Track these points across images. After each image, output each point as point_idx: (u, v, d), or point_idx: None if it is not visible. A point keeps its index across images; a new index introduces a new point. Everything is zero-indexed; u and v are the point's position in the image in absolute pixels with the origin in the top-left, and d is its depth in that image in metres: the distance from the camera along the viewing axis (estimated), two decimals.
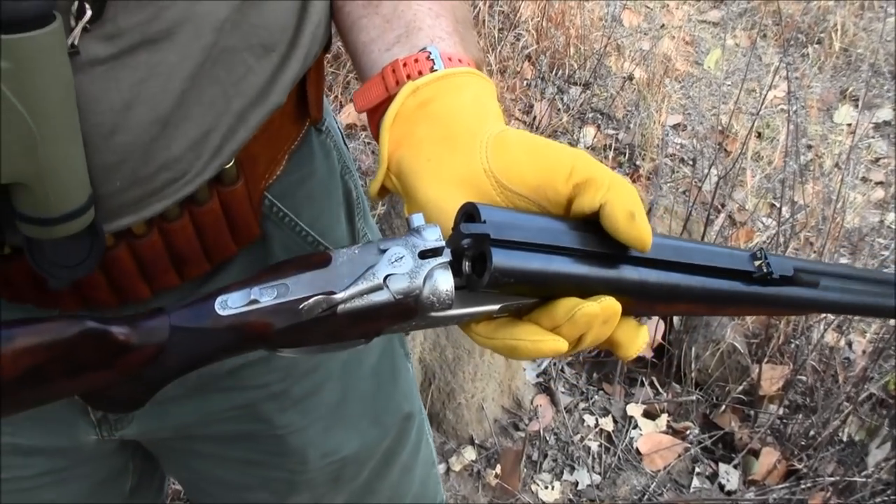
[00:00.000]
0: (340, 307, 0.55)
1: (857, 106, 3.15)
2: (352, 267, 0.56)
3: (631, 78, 3.09)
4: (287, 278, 0.56)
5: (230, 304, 0.55)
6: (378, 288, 0.55)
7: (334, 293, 0.55)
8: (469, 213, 0.56)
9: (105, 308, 0.69)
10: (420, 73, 0.63)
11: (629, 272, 0.58)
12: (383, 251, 0.56)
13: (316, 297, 0.55)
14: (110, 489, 0.90)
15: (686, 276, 0.61)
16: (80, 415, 0.79)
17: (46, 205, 0.57)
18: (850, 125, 3.02)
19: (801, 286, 0.65)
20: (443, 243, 0.56)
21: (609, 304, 0.56)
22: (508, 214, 0.56)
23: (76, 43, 0.56)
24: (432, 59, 0.63)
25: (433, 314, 0.56)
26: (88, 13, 0.55)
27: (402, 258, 0.56)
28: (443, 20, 0.67)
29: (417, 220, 0.57)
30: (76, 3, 0.55)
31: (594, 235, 0.57)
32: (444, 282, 0.55)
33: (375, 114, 0.66)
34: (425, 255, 0.56)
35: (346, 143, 0.88)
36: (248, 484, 0.90)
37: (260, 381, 0.82)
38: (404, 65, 0.64)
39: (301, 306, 0.55)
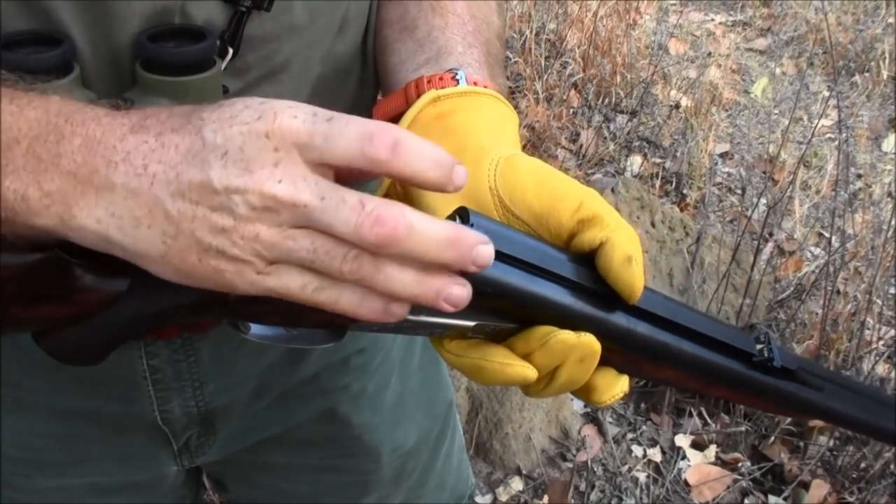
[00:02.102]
0: None
1: None
2: None
3: (678, 106, 3.10)
4: None
5: None
6: None
7: None
8: (460, 216, 0.52)
9: None
10: (442, 87, 0.62)
11: (617, 317, 0.55)
12: None
13: None
14: None
15: (678, 339, 0.57)
16: (162, 446, 0.80)
17: None
18: None
19: (804, 385, 0.61)
20: None
21: (588, 340, 0.53)
22: (501, 227, 0.53)
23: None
24: (457, 79, 0.63)
25: (408, 316, 0.50)
26: (230, 52, 0.59)
27: None
28: (475, 51, 0.68)
29: None
30: (217, 43, 0.58)
31: (586, 271, 0.54)
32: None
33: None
34: None
35: None
36: (319, 492, 0.91)
37: (339, 382, 0.84)
38: (428, 81, 0.63)
39: None
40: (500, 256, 0.50)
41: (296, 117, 0.45)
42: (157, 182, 0.46)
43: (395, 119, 0.64)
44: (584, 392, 0.57)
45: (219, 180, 0.45)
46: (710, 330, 0.58)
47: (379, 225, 0.43)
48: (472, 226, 0.50)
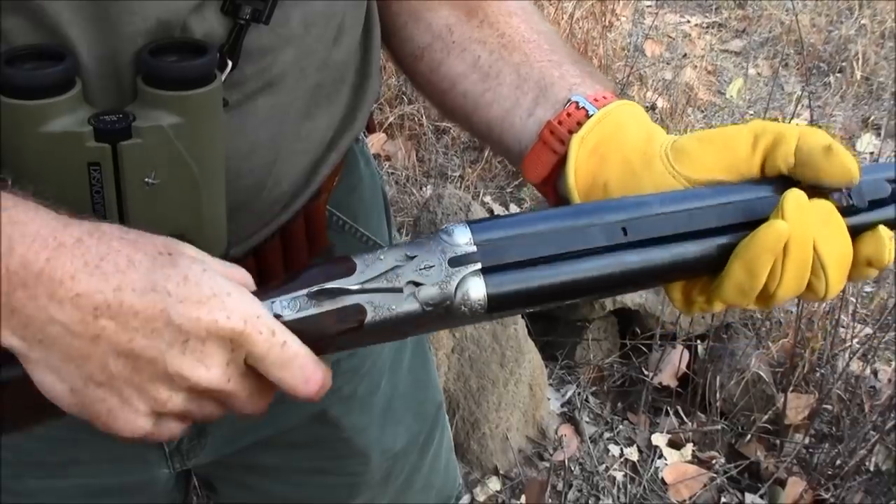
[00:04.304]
0: (367, 320, 0.54)
1: (879, 134, 3.15)
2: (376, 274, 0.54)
3: (654, 107, 3.11)
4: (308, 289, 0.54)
5: None
6: (397, 290, 0.54)
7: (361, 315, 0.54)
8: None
9: None
10: (579, 125, 0.64)
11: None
12: (411, 257, 0.55)
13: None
14: None
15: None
16: (153, 449, 0.80)
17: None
18: (872, 153, 3.02)
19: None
20: (474, 248, 0.55)
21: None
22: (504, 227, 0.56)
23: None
24: (584, 108, 0.64)
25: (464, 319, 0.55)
26: (230, 65, 0.59)
27: (431, 267, 0.54)
28: (567, 67, 0.69)
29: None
30: (217, 56, 0.58)
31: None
32: (476, 290, 0.54)
33: (549, 181, 0.67)
34: (457, 261, 0.54)
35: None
36: (309, 494, 0.91)
37: (332, 385, 0.84)
38: (560, 123, 0.65)
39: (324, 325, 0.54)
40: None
41: (261, 333, 0.51)
42: (104, 338, 0.48)
43: (554, 170, 0.66)
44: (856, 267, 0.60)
45: (173, 364, 0.49)
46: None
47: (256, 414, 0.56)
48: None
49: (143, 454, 0.81)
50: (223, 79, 0.58)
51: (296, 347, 0.53)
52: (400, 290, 0.54)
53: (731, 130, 0.60)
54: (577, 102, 0.65)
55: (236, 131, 0.62)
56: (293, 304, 0.54)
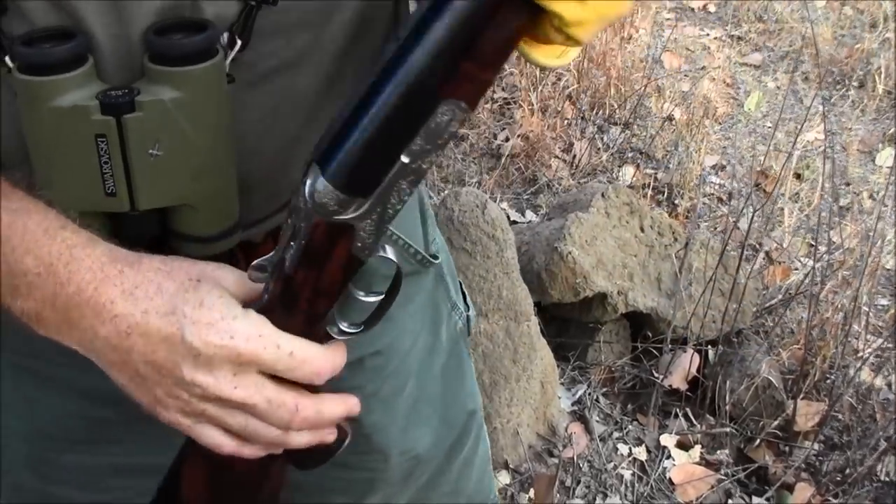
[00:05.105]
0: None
1: None
2: None
3: (671, 118, 3.14)
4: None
5: None
6: None
7: None
8: None
9: None
10: None
11: None
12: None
13: None
14: None
15: None
16: (179, 434, 0.83)
17: (208, 224, 0.64)
18: (891, 167, 3.04)
19: None
20: None
21: None
22: None
23: (227, 72, 0.61)
24: None
25: None
26: (238, 43, 0.61)
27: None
28: None
29: None
30: (226, 35, 0.61)
31: None
32: (314, 178, 0.56)
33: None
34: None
35: None
36: (327, 486, 0.92)
37: (353, 382, 0.84)
38: None
39: None
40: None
41: (265, 349, 0.60)
42: (136, 350, 0.60)
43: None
44: None
45: (187, 373, 0.60)
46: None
47: (303, 422, 0.64)
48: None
49: (171, 438, 0.82)
50: (232, 56, 0.61)
51: (302, 354, 0.61)
52: None
53: None
54: None
55: (251, 109, 0.64)
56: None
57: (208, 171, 0.61)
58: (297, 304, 0.61)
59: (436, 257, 0.91)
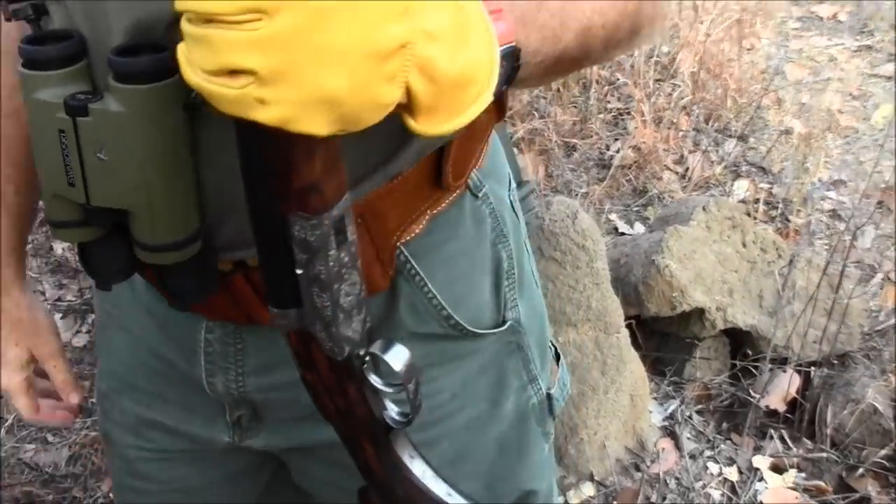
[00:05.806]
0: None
1: None
2: None
3: (789, 132, 3.05)
4: None
5: None
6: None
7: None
8: None
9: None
10: None
11: None
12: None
13: None
14: (244, 480, 0.97)
15: None
16: (220, 414, 0.87)
17: (152, 233, 0.66)
18: None
19: None
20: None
21: None
22: None
23: (196, 97, 0.61)
24: None
25: None
26: None
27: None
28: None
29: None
30: None
31: None
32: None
33: None
34: None
35: (515, 210, 0.88)
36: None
37: None
38: None
39: None
40: None
41: None
42: None
43: None
44: None
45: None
46: None
47: None
48: None
49: (212, 415, 0.87)
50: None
51: None
52: None
53: None
54: None
55: (227, 135, 0.59)
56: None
57: (152, 185, 0.64)
58: (329, 399, 0.65)
59: (504, 322, 0.87)
